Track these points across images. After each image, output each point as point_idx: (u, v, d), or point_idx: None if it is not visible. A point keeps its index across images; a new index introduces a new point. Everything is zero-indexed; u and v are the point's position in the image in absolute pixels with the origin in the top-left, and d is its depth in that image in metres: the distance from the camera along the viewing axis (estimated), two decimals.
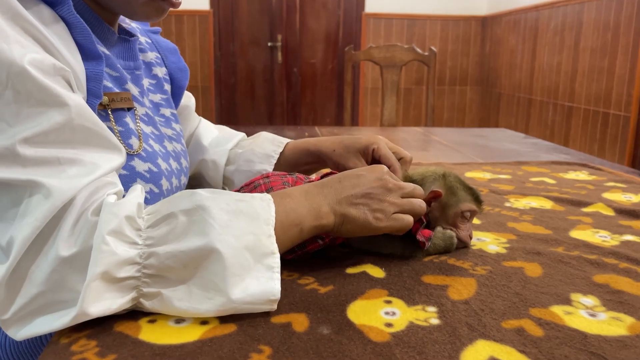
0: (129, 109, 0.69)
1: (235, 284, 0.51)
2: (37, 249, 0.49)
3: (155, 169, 0.69)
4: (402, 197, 0.64)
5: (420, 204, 0.65)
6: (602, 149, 3.05)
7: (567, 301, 0.57)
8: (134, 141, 0.68)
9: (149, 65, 0.82)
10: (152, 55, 0.83)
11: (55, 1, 0.56)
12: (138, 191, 0.55)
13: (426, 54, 2.53)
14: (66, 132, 0.51)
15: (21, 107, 0.49)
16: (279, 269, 0.53)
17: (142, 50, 0.81)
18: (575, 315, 0.54)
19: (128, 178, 0.65)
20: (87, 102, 0.60)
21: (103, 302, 0.49)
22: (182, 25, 4.31)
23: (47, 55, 0.52)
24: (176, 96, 0.88)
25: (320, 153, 0.85)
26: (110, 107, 0.65)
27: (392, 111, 2.52)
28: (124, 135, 0.66)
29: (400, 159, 0.80)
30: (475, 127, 3.97)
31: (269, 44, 4.53)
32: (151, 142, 0.72)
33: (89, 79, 0.60)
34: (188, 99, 0.96)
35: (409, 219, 0.63)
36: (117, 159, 0.56)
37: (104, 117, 0.65)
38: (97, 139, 0.54)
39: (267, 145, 0.91)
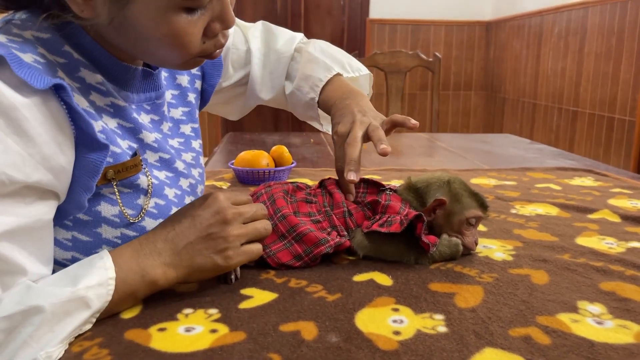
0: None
1: None
2: None
3: None
4: (245, 223, 0.61)
5: (264, 226, 0.63)
6: (607, 153, 3.04)
7: (574, 309, 0.58)
8: (141, 201, 0.64)
9: (172, 73, 0.78)
10: None
11: (58, 86, 0.52)
12: None
13: (430, 59, 2.54)
14: None
15: None
16: None
17: None
18: (582, 323, 0.55)
19: None
20: (76, 194, 0.56)
21: None
22: None
23: (7, 170, 0.48)
24: (206, 93, 0.85)
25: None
26: (115, 180, 0.61)
27: None
28: (127, 202, 0.62)
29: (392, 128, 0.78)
30: (480, 132, 3.96)
31: None
32: (166, 190, 0.68)
33: (84, 170, 0.55)
34: (242, 43, 0.93)
35: (258, 247, 0.62)
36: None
37: (109, 187, 0.61)
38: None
39: (306, 90, 0.90)
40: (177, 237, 0.58)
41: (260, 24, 0.98)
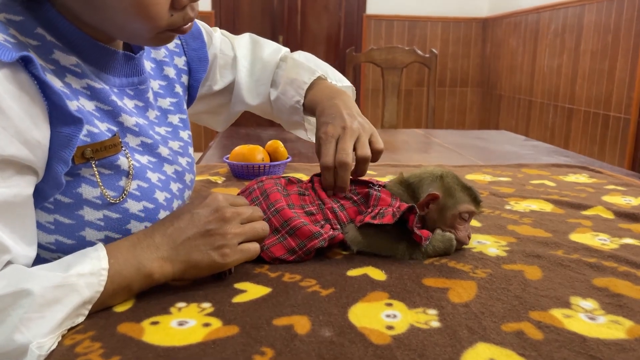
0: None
1: None
2: None
3: (151, 206, 0.66)
4: (242, 223, 0.62)
5: (262, 227, 0.63)
6: (602, 151, 3.05)
7: (567, 304, 0.58)
8: (122, 182, 0.64)
9: (160, 65, 0.78)
10: (169, 46, 0.79)
11: (26, 59, 0.52)
12: None
13: (427, 55, 2.54)
14: None
15: None
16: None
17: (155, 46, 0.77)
18: (575, 318, 0.55)
19: (121, 221, 0.63)
20: (53, 169, 0.56)
21: None
22: None
23: None
24: (192, 89, 0.85)
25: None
26: (94, 158, 0.60)
27: (392, 113, 2.53)
28: (108, 183, 0.62)
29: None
30: (476, 129, 3.97)
31: None
32: (149, 174, 0.68)
33: (59, 144, 0.55)
34: (229, 50, 0.94)
35: (255, 246, 0.62)
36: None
37: (89, 167, 0.60)
38: None
39: (292, 94, 0.90)
40: (176, 232, 0.59)
41: (247, 35, 1.01)
